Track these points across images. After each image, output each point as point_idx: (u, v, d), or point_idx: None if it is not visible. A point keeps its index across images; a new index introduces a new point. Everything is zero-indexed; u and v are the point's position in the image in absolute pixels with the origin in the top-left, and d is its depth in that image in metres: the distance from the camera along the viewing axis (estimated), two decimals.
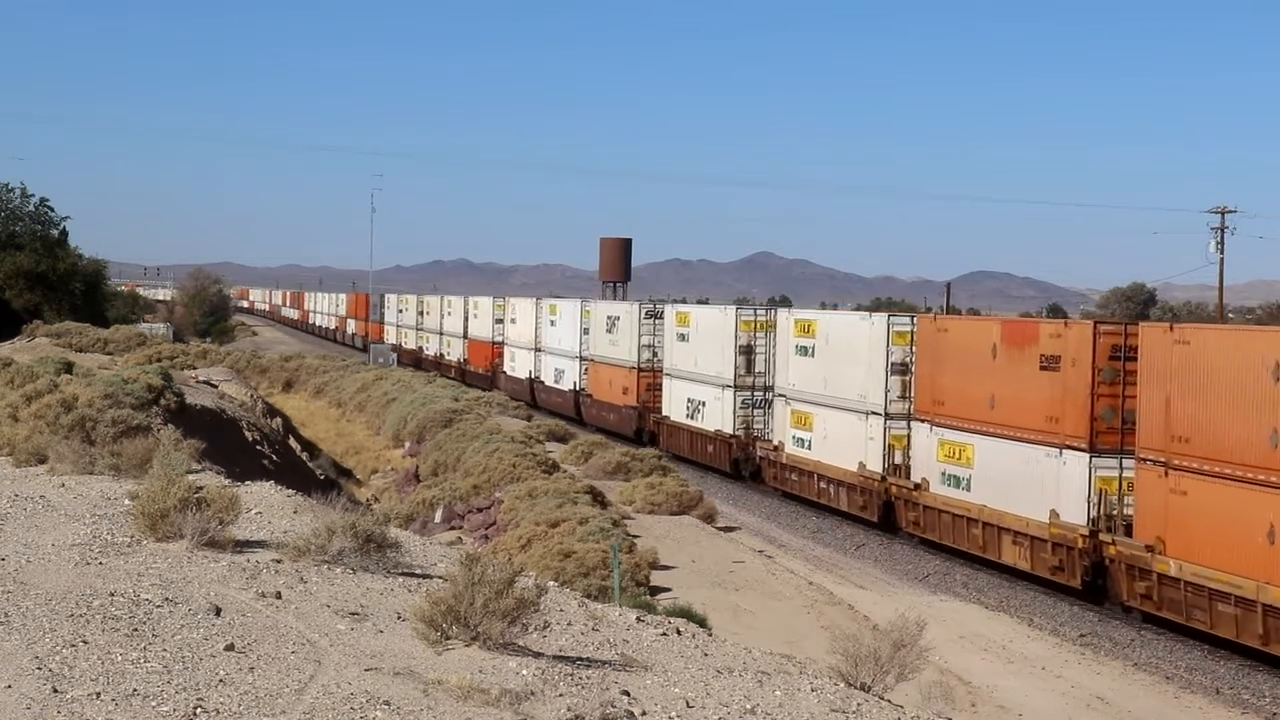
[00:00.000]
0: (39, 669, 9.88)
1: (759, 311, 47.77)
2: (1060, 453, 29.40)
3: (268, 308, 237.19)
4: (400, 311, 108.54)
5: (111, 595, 12.09)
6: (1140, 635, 27.26)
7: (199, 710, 9.29)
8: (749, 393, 45.58)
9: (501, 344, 77.56)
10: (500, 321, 78.28)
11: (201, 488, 16.18)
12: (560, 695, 10.39)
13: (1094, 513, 28.44)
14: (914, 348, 36.15)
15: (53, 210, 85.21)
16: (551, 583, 16.72)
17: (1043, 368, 30.13)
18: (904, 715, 12.33)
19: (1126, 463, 27.98)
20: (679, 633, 14.15)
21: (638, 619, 14.48)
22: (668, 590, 26.52)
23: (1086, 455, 28.70)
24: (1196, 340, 26.00)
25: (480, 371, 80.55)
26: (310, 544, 14.31)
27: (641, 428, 54.76)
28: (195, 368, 60.23)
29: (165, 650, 10.58)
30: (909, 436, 36.03)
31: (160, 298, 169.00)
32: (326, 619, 12.04)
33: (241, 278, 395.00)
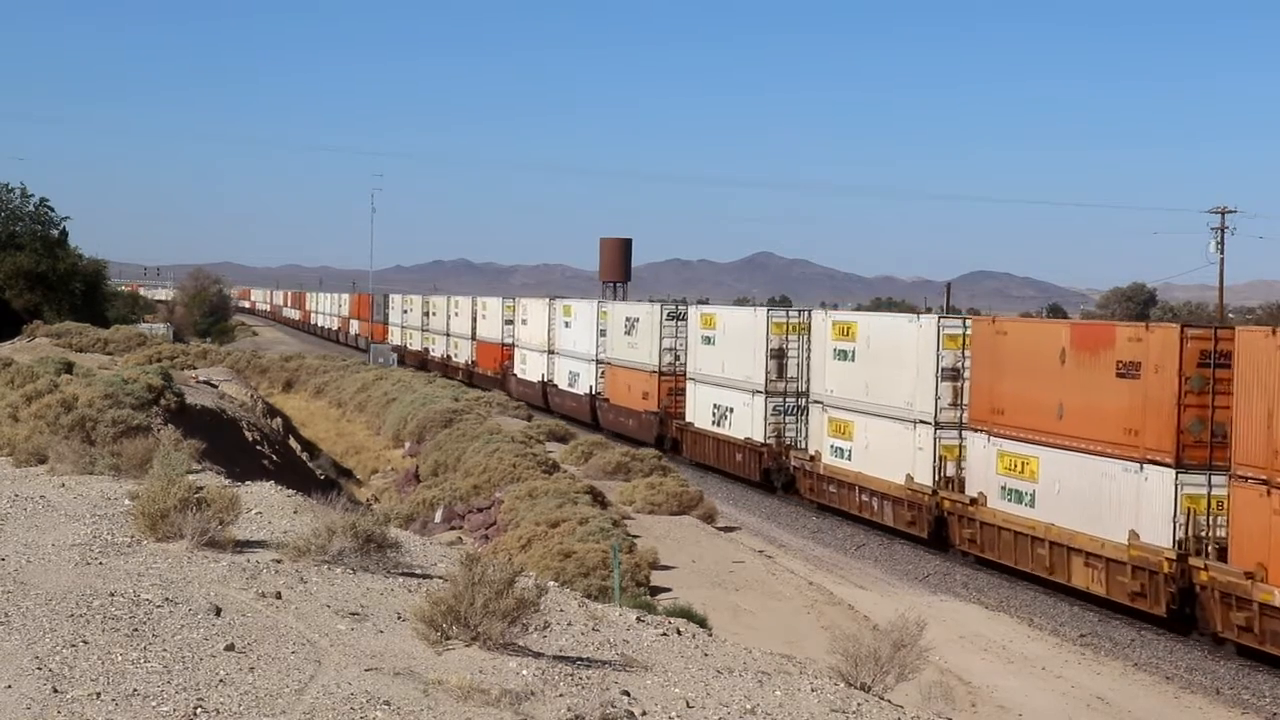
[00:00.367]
0: (39, 669, 9.88)
1: (791, 313, 45.86)
2: (1141, 468, 27.10)
3: (269, 308, 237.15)
4: (405, 312, 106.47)
5: (112, 595, 12.09)
6: (1140, 635, 27.24)
7: (199, 710, 9.29)
8: (780, 399, 43.55)
9: (512, 346, 75.30)
10: (510, 323, 76.07)
11: (201, 488, 16.18)
12: (560, 695, 10.39)
13: (1181, 534, 26.17)
14: (967, 351, 34.01)
15: (53, 210, 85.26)
16: (551, 583, 16.72)
17: (1119, 374, 27.79)
18: (904, 715, 12.34)
19: (1216, 479, 25.74)
20: (679, 633, 14.15)
21: (638, 619, 14.48)
22: (668, 590, 26.54)
23: (1172, 471, 26.29)
24: None
25: (489, 374, 78.32)
26: (310, 544, 14.32)
27: (663, 434, 52.67)
28: (195, 368, 60.22)
29: (165, 650, 10.59)
30: (963, 447, 33.83)
31: (160, 298, 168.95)
32: (327, 619, 12.04)
33: (241, 278, 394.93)
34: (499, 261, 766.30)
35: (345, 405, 66.75)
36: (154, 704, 9.33)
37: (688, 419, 50.50)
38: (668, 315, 53.89)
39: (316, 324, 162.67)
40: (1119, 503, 27.75)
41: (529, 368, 71.38)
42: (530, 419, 56.80)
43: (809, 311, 45.62)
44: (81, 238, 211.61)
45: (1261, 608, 23.99)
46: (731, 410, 46.29)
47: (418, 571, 14.67)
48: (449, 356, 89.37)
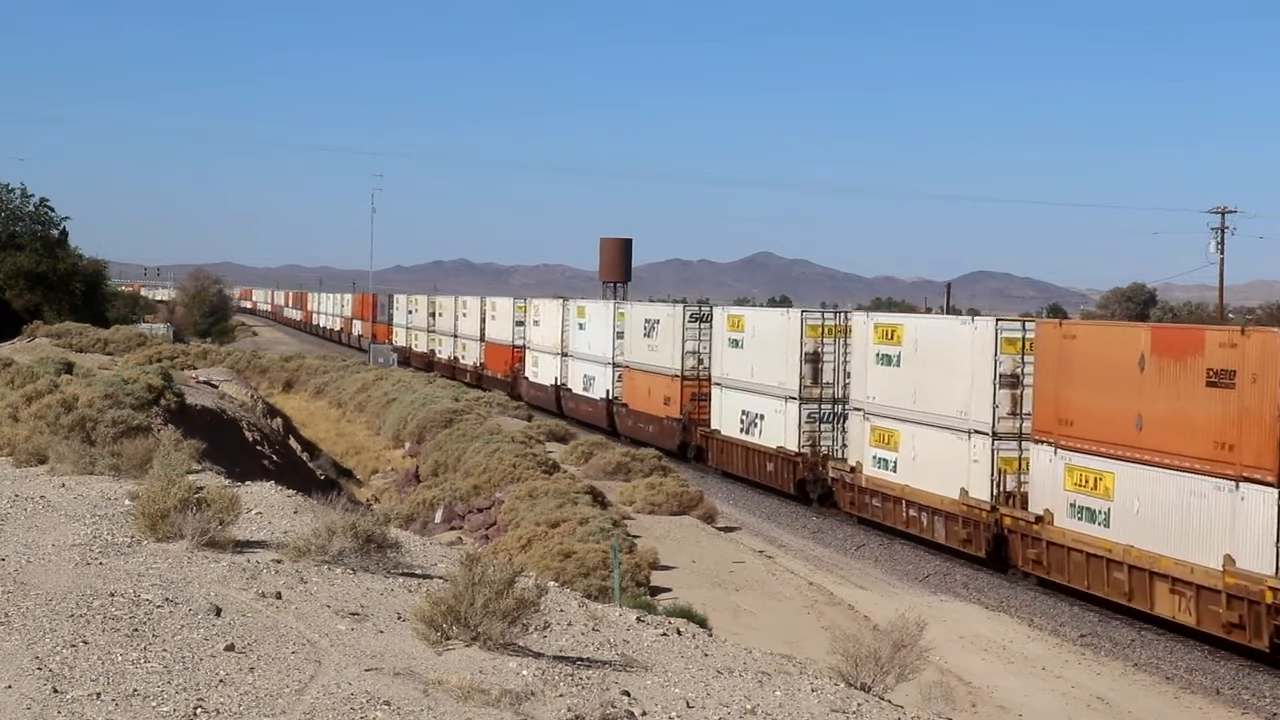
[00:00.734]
0: (39, 669, 9.88)
1: (828, 315, 43.48)
2: (1236, 486, 24.64)
3: (270, 308, 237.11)
4: (410, 312, 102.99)
5: (112, 595, 12.09)
6: (1140, 635, 27.20)
7: (199, 710, 9.29)
8: (816, 405, 41.20)
9: (523, 348, 72.56)
10: (521, 324, 73.33)
11: (202, 488, 16.18)
12: (560, 695, 10.39)
13: None
14: (1028, 356, 31.71)
15: (53, 210, 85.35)
16: (552, 583, 16.71)
17: (1210, 384, 25.38)
18: (904, 715, 12.34)
19: None
20: (679, 633, 14.15)
21: (638, 619, 14.48)
22: (668, 590, 26.56)
23: (1275, 491, 23.76)
24: None
25: (498, 377, 75.99)
26: (310, 544, 14.32)
27: (686, 442, 50.37)
28: (195, 368, 60.25)
29: (165, 650, 10.59)
30: (1024, 460, 31.45)
31: (160, 298, 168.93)
32: (327, 619, 12.04)
33: (241, 278, 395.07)
34: (499, 261, 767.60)
35: (345, 405, 66.75)
36: (154, 704, 9.33)
37: (713, 426, 48.20)
38: (691, 317, 51.78)
39: (318, 325, 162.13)
40: (1210, 524, 25.35)
41: (541, 370, 69.08)
42: (530, 419, 56.79)
43: (848, 313, 43.87)
44: (81, 238, 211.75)
45: None
46: (762, 417, 44.06)
47: (418, 572, 14.67)
48: (456, 358, 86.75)
